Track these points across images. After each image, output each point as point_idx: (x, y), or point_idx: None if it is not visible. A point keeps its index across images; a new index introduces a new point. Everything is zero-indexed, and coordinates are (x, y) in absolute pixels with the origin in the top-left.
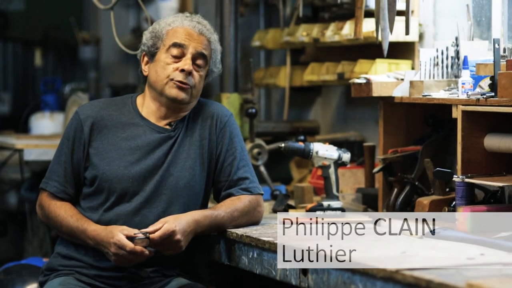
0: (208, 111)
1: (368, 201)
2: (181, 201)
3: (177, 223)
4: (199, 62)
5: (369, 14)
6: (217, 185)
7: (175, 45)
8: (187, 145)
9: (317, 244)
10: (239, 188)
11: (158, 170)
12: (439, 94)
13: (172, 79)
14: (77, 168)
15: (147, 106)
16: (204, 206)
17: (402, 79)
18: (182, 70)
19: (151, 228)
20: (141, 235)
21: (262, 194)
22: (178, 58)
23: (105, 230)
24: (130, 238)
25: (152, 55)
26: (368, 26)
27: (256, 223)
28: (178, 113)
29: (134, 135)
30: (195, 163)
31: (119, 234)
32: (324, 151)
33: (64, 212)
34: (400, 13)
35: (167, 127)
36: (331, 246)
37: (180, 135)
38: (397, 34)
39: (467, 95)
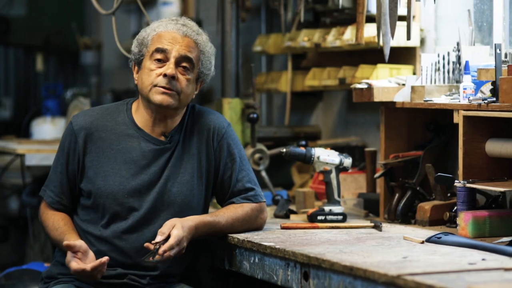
0: (204, 123)
1: (370, 206)
2: (179, 216)
3: (184, 229)
4: (185, 65)
5: (370, 19)
6: (219, 196)
7: (157, 50)
8: (184, 159)
9: (318, 249)
10: (240, 197)
11: (154, 185)
12: (441, 99)
13: (155, 85)
14: (72, 180)
15: (141, 114)
16: None
17: (404, 84)
18: (165, 75)
19: (160, 238)
20: (150, 255)
21: (265, 201)
22: (162, 63)
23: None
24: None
25: (139, 62)
26: (369, 31)
27: (258, 229)
28: (170, 118)
29: (129, 148)
30: (192, 178)
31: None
32: (326, 156)
33: (52, 223)
34: (401, 18)
35: (162, 138)
36: (332, 251)
37: (176, 148)
38: (399, 39)
39: (468, 100)
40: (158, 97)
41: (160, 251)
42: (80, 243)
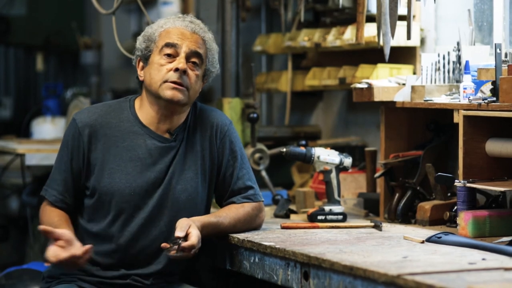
0: (208, 120)
1: (370, 206)
2: (183, 214)
3: (197, 229)
4: (194, 60)
5: (370, 19)
6: (219, 193)
7: (167, 45)
8: (188, 156)
9: (318, 249)
10: (240, 196)
11: (160, 183)
12: (441, 99)
13: (166, 81)
14: (77, 177)
15: (145, 111)
16: None
17: (404, 84)
18: (176, 70)
19: (181, 233)
20: (174, 249)
21: (263, 201)
22: (171, 58)
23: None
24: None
25: (146, 58)
26: (369, 31)
27: (256, 228)
28: (177, 115)
29: (134, 145)
30: (196, 175)
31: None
32: (326, 155)
33: (47, 219)
34: (401, 18)
35: (167, 135)
36: (332, 250)
37: (181, 146)
38: (399, 39)
39: (468, 100)
40: (168, 93)
41: (182, 245)
42: (62, 231)
